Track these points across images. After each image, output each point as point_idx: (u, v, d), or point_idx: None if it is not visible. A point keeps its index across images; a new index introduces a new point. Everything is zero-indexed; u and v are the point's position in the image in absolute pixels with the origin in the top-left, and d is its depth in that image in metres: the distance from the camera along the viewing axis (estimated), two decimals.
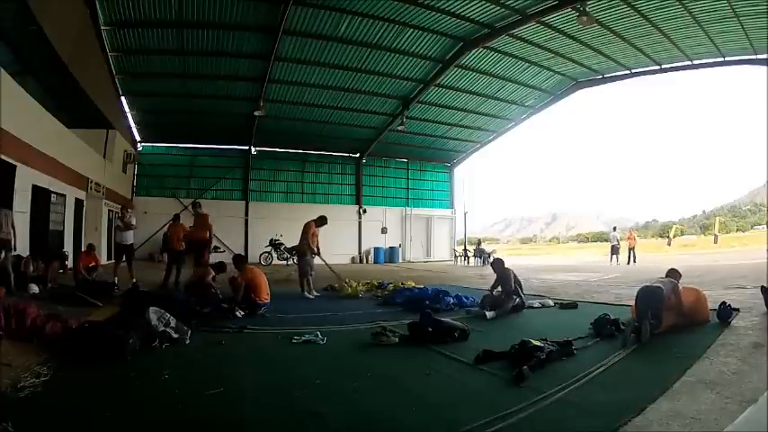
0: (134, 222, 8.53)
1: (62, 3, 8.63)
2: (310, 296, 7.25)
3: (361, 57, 12.44)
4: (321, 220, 7.86)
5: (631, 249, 15.46)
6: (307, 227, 7.78)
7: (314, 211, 17.96)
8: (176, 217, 9.46)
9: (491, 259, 16.14)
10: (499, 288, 5.80)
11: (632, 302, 4.87)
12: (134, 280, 7.84)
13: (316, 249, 7.65)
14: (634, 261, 14.89)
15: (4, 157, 6.96)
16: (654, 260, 16.95)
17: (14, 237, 6.49)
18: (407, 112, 15.39)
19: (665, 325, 3.90)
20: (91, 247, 8.58)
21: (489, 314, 5.12)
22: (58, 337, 3.53)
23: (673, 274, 4.55)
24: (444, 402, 2.54)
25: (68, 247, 9.82)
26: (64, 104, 10.68)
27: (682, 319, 4.13)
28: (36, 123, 8.36)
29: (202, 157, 17.75)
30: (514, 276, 5.78)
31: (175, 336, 3.86)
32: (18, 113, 7.26)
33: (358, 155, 19.43)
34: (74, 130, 10.66)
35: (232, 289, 5.76)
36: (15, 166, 7.46)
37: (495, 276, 5.99)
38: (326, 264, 8.08)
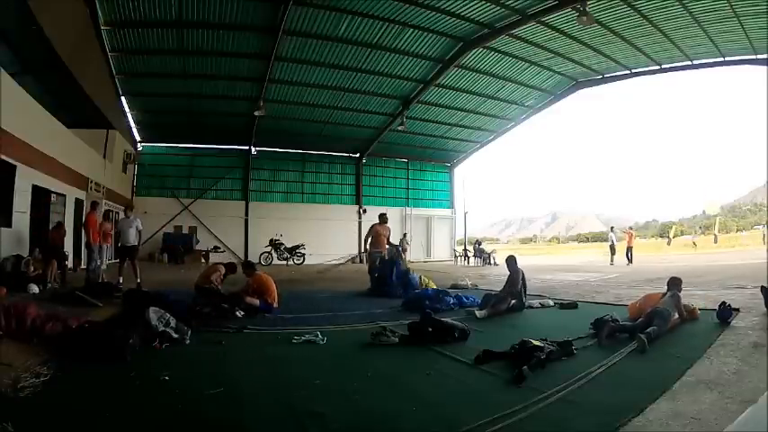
0: (140, 225, 8.48)
1: (62, 3, 8.63)
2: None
3: (361, 57, 12.43)
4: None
5: (629, 248, 15.33)
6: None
7: (314, 211, 18.40)
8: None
9: (491, 259, 16.51)
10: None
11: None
12: (138, 281, 7.81)
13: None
14: (630, 261, 14.76)
15: (4, 157, 6.96)
16: (652, 260, 16.95)
17: None
18: (407, 112, 15.37)
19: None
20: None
21: (479, 313, 5.06)
22: (58, 337, 3.53)
23: (674, 284, 4.54)
24: (444, 402, 2.53)
25: (68, 247, 9.80)
26: (64, 104, 10.68)
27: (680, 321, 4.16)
28: (36, 123, 8.36)
29: (202, 157, 17.73)
30: (523, 278, 5.73)
31: (175, 336, 3.86)
32: (18, 113, 7.26)
33: (358, 155, 19.43)
34: (74, 130, 10.66)
35: (241, 293, 5.74)
36: (15, 166, 7.46)
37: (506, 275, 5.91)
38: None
